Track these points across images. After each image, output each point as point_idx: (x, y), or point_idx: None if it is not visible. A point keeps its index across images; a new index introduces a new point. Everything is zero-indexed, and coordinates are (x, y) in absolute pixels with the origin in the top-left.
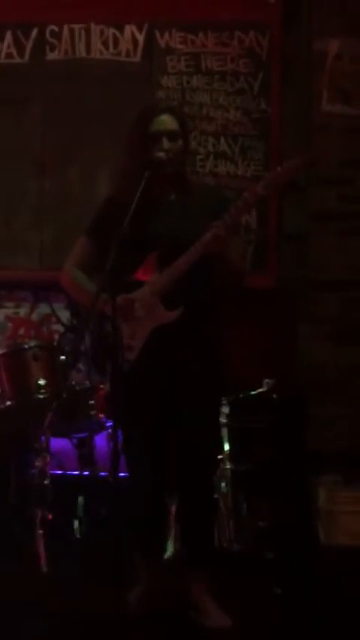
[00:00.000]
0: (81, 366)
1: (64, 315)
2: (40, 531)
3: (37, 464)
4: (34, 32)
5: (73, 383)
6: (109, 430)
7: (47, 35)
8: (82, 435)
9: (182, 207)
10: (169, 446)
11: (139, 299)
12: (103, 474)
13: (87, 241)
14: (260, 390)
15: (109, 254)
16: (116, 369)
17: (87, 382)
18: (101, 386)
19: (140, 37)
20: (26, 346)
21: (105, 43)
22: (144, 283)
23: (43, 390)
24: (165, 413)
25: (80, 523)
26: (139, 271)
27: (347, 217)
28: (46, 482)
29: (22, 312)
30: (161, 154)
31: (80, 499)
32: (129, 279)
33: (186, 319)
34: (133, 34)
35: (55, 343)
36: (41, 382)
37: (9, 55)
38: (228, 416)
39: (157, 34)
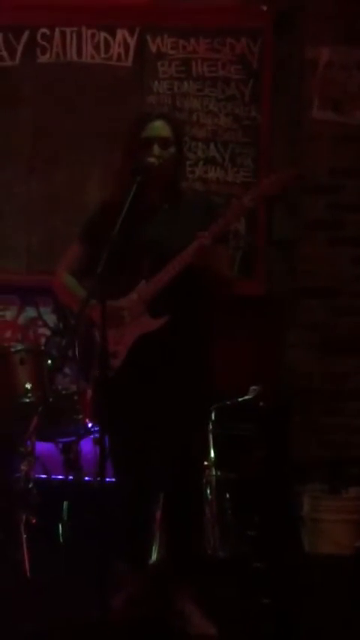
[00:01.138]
0: (67, 370)
1: (51, 319)
2: (25, 535)
3: (22, 468)
4: (26, 35)
5: (60, 387)
6: (95, 435)
7: (38, 38)
8: (67, 439)
9: (173, 214)
10: (154, 452)
11: (126, 306)
12: (87, 478)
13: (79, 246)
14: (246, 397)
15: (100, 259)
16: (101, 375)
17: (73, 387)
18: (88, 391)
19: (132, 42)
20: (13, 350)
21: (96, 47)
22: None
23: (29, 394)
24: (150, 419)
25: (64, 528)
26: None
27: (336, 225)
28: (30, 486)
29: (9, 315)
30: (152, 160)
31: (65, 504)
32: (119, 285)
33: (171, 327)
34: (124, 38)
35: (42, 347)
36: (27, 386)
37: (0, 57)
38: (214, 423)
39: (149, 39)
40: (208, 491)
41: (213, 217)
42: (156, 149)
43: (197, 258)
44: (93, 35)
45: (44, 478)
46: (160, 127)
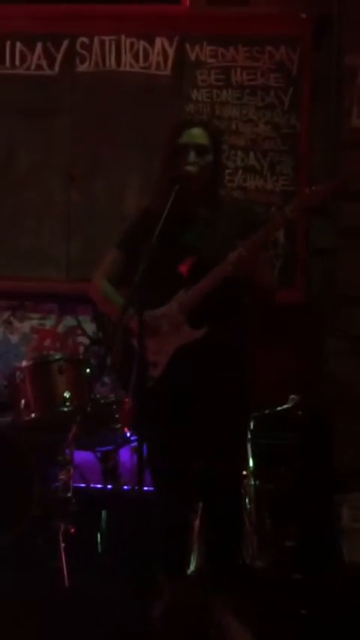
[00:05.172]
0: (106, 379)
1: (90, 327)
2: (63, 545)
3: (60, 477)
4: (65, 44)
5: (98, 396)
6: (134, 444)
7: (77, 47)
8: (106, 448)
9: (212, 223)
10: (194, 461)
11: (166, 315)
12: (126, 487)
13: (117, 253)
14: (285, 406)
15: (138, 267)
16: (140, 384)
17: (112, 396)
18: (126, 400)
19: (170, 50)
20: (52, 358)
21: (135, 56)
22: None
23: (68, 403)
24: (189, 429)
25: (103, 537)
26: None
27: None
28: (69, 495)
29: (48, 323)
30: (189, 168)
31: (103, 513)
32: (157, 294)
33: (211, 338)
34: (163, 46)
35: (81, 356)
36: (66, 395)
37: (39, 67)
38: (252, 432)
39: (188, 48)
40: (247, 501)
41: (253, 226)
42: (192, 156)
43: (237, 268)
44: (132, 44)
45: (83, 487)
46: (197, 134)
